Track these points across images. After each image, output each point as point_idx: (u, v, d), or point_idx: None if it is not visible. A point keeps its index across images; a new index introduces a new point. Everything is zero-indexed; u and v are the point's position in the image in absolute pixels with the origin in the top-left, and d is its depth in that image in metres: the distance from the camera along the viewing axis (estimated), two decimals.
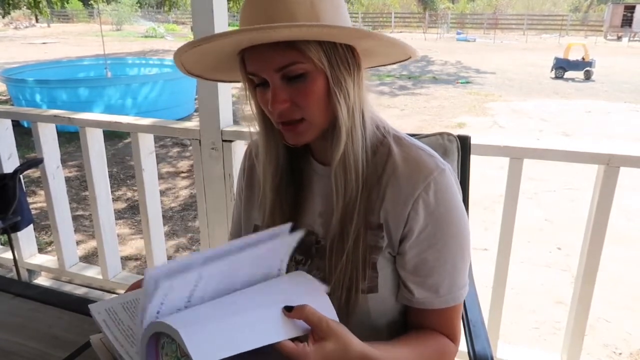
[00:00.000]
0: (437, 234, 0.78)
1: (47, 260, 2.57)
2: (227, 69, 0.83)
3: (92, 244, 3.29)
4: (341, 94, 0.74)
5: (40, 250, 2.77)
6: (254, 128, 0.85)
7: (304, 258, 0.85)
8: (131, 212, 4.03)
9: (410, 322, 0.86)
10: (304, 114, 0.76)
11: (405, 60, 0.82)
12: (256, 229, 0.92)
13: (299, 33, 0.69)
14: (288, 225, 0.68)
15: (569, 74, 12.68)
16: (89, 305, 0.75)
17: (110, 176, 2.96)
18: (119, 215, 3.91)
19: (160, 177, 4.61)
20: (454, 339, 0.84)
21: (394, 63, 0.86)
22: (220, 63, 0.80)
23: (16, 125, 2.46)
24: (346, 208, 0.78)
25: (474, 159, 1.10)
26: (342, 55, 0.74)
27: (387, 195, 0.79)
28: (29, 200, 2.94)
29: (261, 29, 0.67)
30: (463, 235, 0.80)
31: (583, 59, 12.55)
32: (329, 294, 0.73)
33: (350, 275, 0.78)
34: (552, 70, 12.78)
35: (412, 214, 0.77)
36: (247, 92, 0.80)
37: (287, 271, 0.82)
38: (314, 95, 0.74)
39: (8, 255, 2.42)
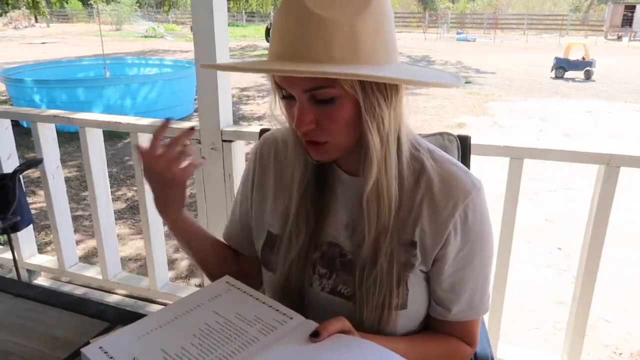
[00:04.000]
0: (473, 251, 0.79)
1: (46, 260, 2.57)
2: (252, 64, 0.81)
3: (92, 244, 3.28)
4: (374, 122, 0.70)
5: (40, 250, 2.76)
6: (276, 125, 0.81)
7: (328, 272, 0.83)
8: (131, 212, 4.03)
9: (431, 329, 0.86)
10: (328, 137, 0.73)
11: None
12: (270, 236, 0.88)
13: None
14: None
15: (569, 74, 12.67)
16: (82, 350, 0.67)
17: (110, 176, 2.96)
18: (119, 215, 3.90)
19: None
20: (472, 344, 0.86)
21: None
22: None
23: (16, 125, 2.45)
24: (379, 232, 0.76)
25: (474, 159, 1.10)
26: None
27: (423, 213, 0.77)
28: (29, 200, 2.93)
29: (293, 71, 0.65)
30: (492, 247, 0.82)
31: (583, 58, 12.54)
32: (360, 311, 0.77)
33: (383, 294, 0.77)
34: (552, 70, 12.77)
35: (452, 234, 0.77)
36: (276, 96, 0.76)
37: (311, 284, 0.84)
38: (341, 120, 0.71)
39: (8, 255, 2.42)
